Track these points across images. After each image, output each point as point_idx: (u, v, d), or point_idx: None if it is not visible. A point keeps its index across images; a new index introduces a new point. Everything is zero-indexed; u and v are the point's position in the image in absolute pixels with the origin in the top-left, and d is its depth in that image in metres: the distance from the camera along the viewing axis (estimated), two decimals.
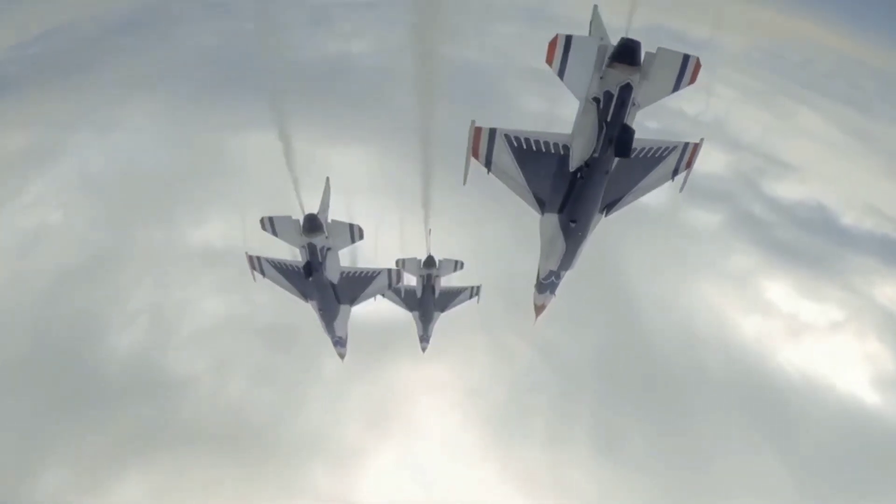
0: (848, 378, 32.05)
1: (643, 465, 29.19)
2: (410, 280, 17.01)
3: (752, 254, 38.89)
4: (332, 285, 14.34)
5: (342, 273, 14.23)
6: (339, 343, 17.62)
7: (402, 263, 15.94)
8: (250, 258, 14.39)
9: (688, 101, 47.03)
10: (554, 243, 10.58)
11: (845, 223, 41.67)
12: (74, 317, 30.77)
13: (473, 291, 17.63)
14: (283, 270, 14.49)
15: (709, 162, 46.79)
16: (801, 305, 35.93)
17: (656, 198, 37.63)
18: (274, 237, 12.90)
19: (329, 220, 12.62)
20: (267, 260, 14.43)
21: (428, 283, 16.75)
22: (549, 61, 7.42)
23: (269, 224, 12.59)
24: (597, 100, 7.72)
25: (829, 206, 43.18)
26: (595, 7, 8.66)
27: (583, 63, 7.37)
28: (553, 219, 10.01)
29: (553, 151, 8.84)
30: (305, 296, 14.89)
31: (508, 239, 35.75)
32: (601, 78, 7.56)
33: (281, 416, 30.96)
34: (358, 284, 14.87)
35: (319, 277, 13.63)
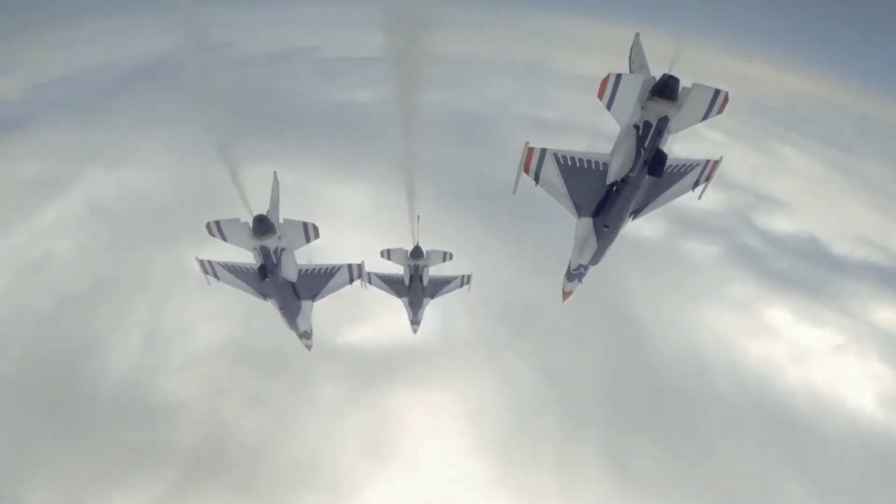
0: (856, 397, 32.70)
1: (656, 488, 28.94)
2: (398, 268, 16.34)
3: (751, 282, 40.61)
4: (291, 284, 13.80)
5: (300, 270, 13.58)
6: (305, 336, 17.18)
7: (387, 254, 15.50)
8: (201, 263, 13.52)
9: (680, 144, 50.75)
10: (587, 242, 11.73)
11: (837, 253, 43.63)
12: (73, 338, 31.73)
13: (464, 280, 17.16)
14: (238, 272, 13.72)
15: (703, 199, 49.59)
16: (803, 329, 37.08)
17: (657, 231, 40.33)
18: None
19: (280, 220, 11.79)
20: (219, 264, 13.70)
21: (416, 273, 16.18)
22: (600, 96, 8.32)
23: (217, 228, 11.69)
24: (637, 127, 8.82)
25: (820, 237, 45.38)
26: (637, 35, 9.53)
27: (628, 97, 8.34)
28: (588, 222, 11.13)
29: (593, 168, 9.93)
30: (264, 295, 14.26)
31: (508, 265, 38.02)
32: (642, 108, 8.59)
33: (273, 442, 30.65)
34: (318, 281, 14.20)
35: (275, 279, 13.13)
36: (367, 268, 15.13)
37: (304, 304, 14.87)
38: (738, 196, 50.40)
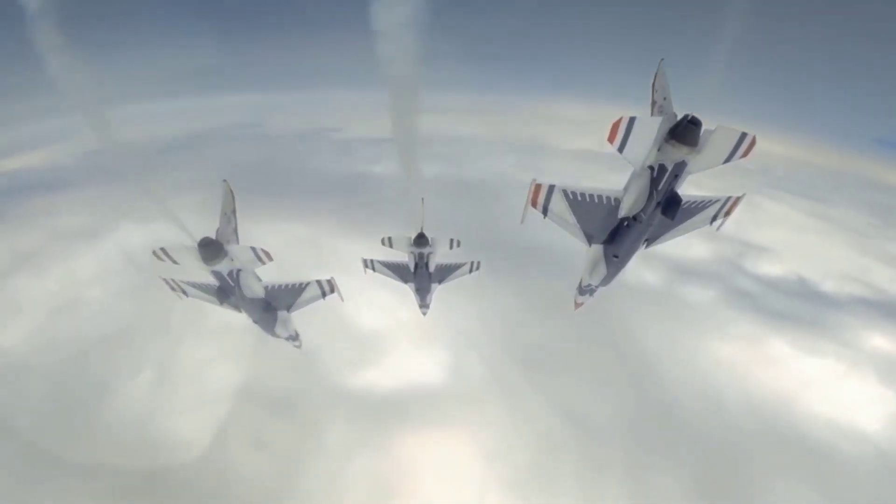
0: (864, 418, 34.84)
1: None
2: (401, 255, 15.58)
3: (750, 321, 44.02)
4: (261, 299, 13.35)
5: (267, 287, 13.13)
6: (291, 339, 16.60)
7: (388, 241, 14.44)
8: (166, 281, 13.29)
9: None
10: (597, 267, 11.74)
11: (826, 290, 47.39)
12: (94, 375, 34.00)
13: (474, 266, 16.32)
14: (204, 289, 13.31)
15: (694, 250, 54.63)
16: (805, 360, 39.81)
17: (657, 278, 45.44)
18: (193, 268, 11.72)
19: (227, 245, 11.20)
20: (184, 282, 13.30)
21: (421, 260, 15.21)
22: (611, 140, 7.85)
23: (166, 256, 11.15)
24: (651, 168, 8.36)
25: (809, 277, 49.46)
26: (661, 61, 9.04)
27: (643, 140, 7.83)
28: (599, 249, 11.08)
29: (604, 203, 9.70)
30: (236, 308, 13.65)
31: (518, 310, 41.81)
32: (658, 150, 8.05)
33: (280, 485, 30.79)
34: (288, 295, 13.59)
35: (239, 299, 12.75)
36: (372, 256, 15.35)
37: (280, 314, 14.40)
38: (727, 245, 55.31)
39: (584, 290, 14.14)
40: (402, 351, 39.78)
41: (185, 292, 13.59)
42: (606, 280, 12.30)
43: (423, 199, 13.29)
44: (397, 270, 16.24)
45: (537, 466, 33.66)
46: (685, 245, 55.07)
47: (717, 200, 10.00)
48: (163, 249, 11.24)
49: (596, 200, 9.81)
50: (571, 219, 10.17)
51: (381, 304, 41.72)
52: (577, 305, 15.78)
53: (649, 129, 7.88)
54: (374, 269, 16.28)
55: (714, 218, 10.14)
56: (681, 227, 10.30)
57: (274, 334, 15.48)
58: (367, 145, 65.05)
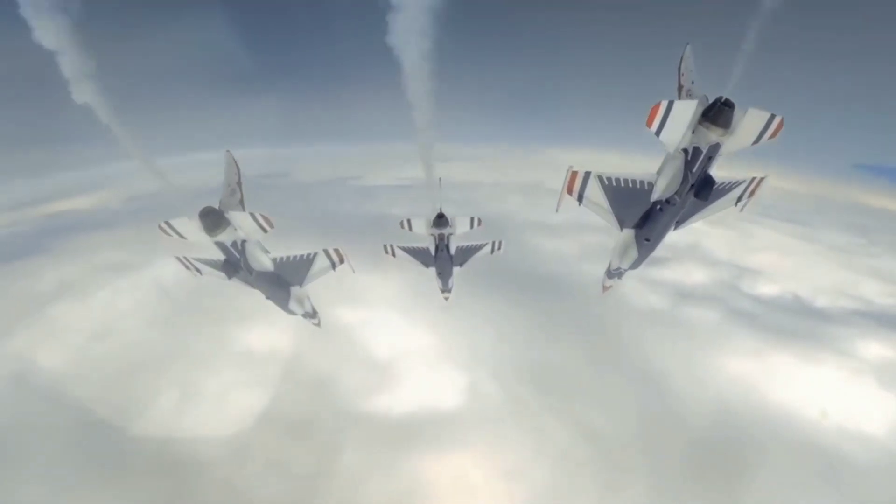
0: (873, 421, 36.74)
1: None
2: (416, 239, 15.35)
3: (753, 337, 46.46)
4: (271, 274, 13.09)
5: (275, 260, 12.90)
6: (308, 316, 16.26)
7: (407, 224, 14.28)
8: (180, 260, 13.39)
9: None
10: (627, 251, 12.05)
11: (819, 305, 50.34)
12: (123, 398, 36.24)
13: (495, 246, 15.87)
14: (215, 266, 13.13)
15: (694, 276, 57.85)
16: (808, 370, 42.26)
17: (661, 303, 48.76)
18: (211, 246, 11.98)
19: (227, 213, 10.96)
20: (195, 259, 13.26)
21: (441, 242, 14.78)
22: (650, 124, 8.11)
23: (171, 229, 11.10)
24: (685, 151, 8.53)
25: (803, 295, 52.45)
26: (687, 46, 9.26)
27: (679, 123, 8.06)
28: (630, 233, 11.37)
29: (638, 187, 9.88)
30: (249, 284, 13.43)
31: (530, 333, 43.93)
32: (693, 133, 8.22)
33: None
34: (298, 268, 13.34)
35: (247, 273, 12.52)
36: (393, 242, 15.26)
37: (293, 289, 14.09)
38: (723, 270, 58.69)
39: (612, 273, 14.64)
40: (417, 374, 41.77)
41: (199, 270, 13.45)
42: (637, 263, 12.60)
43: (440, 179, 12.86)
44: (418, 255, 15.71)
45: (557, 485, 34.59)
46: (685, 271, 58.41)
47: (742, 182, 10.26)
48: (167, 223, 11.14)
49: (629, 185, 10.02)
50: (605, 204, 10.45)
51: (395, 330, 44.55)
52: (605, 289, 16.25)
53: (685, 112, 8.12)
54: (394, 254, 15.75)
55: (739, 199, 10.42)
56: (708, 209, 10.46)
57: (289, 311, 15.09)
58: (385, 190, 69.80)
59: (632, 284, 51.50)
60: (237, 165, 11.72)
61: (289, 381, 39.51)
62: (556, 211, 10.75)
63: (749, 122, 7.90)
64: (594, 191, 10.29)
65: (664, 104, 8.02)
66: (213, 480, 32.83)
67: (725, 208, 10.65)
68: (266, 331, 41.69)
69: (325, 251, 13.28)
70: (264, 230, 11.18)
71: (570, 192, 10.39)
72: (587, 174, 10.11)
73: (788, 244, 63.38)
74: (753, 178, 10.27)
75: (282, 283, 13.74)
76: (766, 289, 54.67)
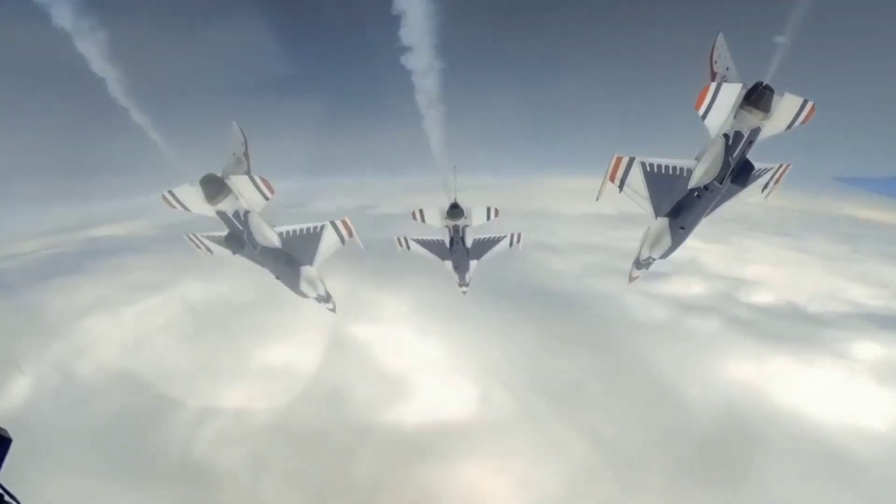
0: (875, 416, 38.40)
1: None
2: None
3: (753, 343, 48.42)
4: (278, 250, 12.60)
5: (282, 235, 12.42)
6: (322, 300, 16.05)
7: (420, 215, 13.70)
8: (190, 238, 13.09)
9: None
10: (661, 240, 12.25)
11: (813, 311, 52.74)
12: (146, 408, 38.42)
13: (514, 238, 15.16)
14: (220, 242, 12.77)
15: (692, 288, 60.16)
16: (809, 372, 44.18)
17: (663, 314, 51.15)
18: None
19: (227, 178, 10.63)
20: (204, 236, 12.92)
21: (457, 234, 14.06)
22: (699, 107, 8.43)
23: (174, 199, 10.79)
24: (726, 136, 8.91)
25: (796, 302, 54.85)
26: (719, 33, 9.32)
27: (724, 107, 8.38)
28: (665, 222, 11.59)
29: (677, 174, 10.16)
30: (257, 261, 13.00)
31: (540, 346, 45.67)
32: (734, 117, 8.60)
33: None
34: (306, 244, 12.82)
35: (251, 250, 12.10)
36: (410, 234, 14.99)
37: (303, 269, 13.63)
38: (719, 282, 61.17)
39: (640, 264, 14.77)
40: (430, 387, 43.35)
41: (209, 249, 13.12)
42: (668, 252, 12.79)
43: (455, 166, 12.29)
44: (434, 247, 15.08)
45: (573, 493, 35.59)
46: (684, 285, 60.75)
47: (770, 169, 10.63)
48: (170, 192, 10.78)
49: (670, 172, 10.28)
50: (645, 192, 10.61)
51: (408, 345, 46.36)
52: (632, 279, 16.46)
53: (731, 95, 8.36)
54: (408, 247, 15.30)
55: (765, 186, 10.83)
56: (737, 196, 10.76)
57: (301, 293, 14.62)
58: (398, 219, 72.65)
59: (635, 299, 53.90)
60: (244, 135, 11.52)
61: (305, 395, 41.58)
62: (597, 199, 10.84)
63: (785, 106, 8.34)
64: (635, 178, 10.53)
65: (713, 86, 8.32)
66: (231, 487, 34.50)
67: (753, 195, 11.08)
68: (285, 348, 44.30)
69: (332, 223, 12.89)
70: (265, 197, 10.89)
71: (612, 179, 10.51)
72: (631, 160, 10.33)
73: (779, 255, 66.20)
74: (780, 165, 10.76)
75: (290, 260, 13.24)
76: (762, 297, 57.07)
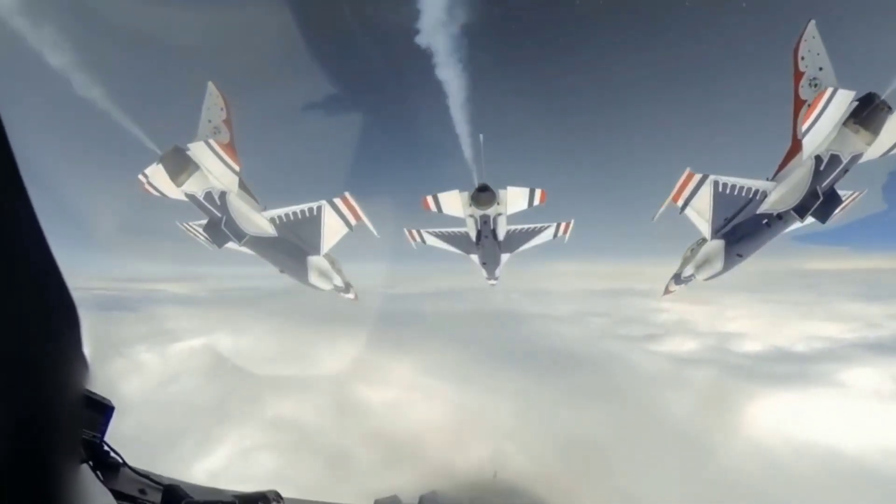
0: (888, 434, 40.07)
1: None
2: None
3: (751, 386, 51.02)
4: (274, 239, 10.82)
5: (274, 220, 10.64)
6: (340, 290, 14.11)
7: (435, 203, 10.56)
8: (187, 229, 11.69)
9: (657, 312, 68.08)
10: (712, 262, 11.12)
11: (799, 351, 56.63)
12: (177, 432, 39.21)
13: (560, 229, 12.06)
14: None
15: (686, 345, 63.22)
16: (811, 404, 46.30)
17: (663, 368, 54.58)
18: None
19: (188, 148, 8.79)
20: (198, 225, 11.35)
21: (486, 226, 10.88)
22: (804, 121, 6.87)
23: (149, 184, 9.43)
24: (818, 158, 7.26)
25: (783, 345, 58.83)
26: (810, 21, 7.44)
27: (829, 120, 6.77)
28: (720, 245, 10.42)
29: (748, 196, 9.11)
30: (258, 252, 11.28)
31: (551, 405, 46.47)
32: (835, 136, 6.85)
33: None
34: (305, 230, 10.87)
35: (238, 237, 10.08)
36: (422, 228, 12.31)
37: (311, 260, 11.60)
38: (708, 338, 64.91)
39: (681, 280, 13.56)
40: (438, 450, 42.64)
41: (209, 238, 11.20)
42: (715, 275, 11.54)
43: (481, 136, 9.38)
44: (455, 241, 12.16)
45: None
46: (677, 343, 63.95)
47: (847, 195, 9.05)
48: (144, 174, 9.29)
49: (742, 193, 9.25)
50: (709, 214, 9.49)
51: (413, 407, 46.75)
52: (668, 292, 15.24)
53: (840, 105, 6.46)
54: (423, 240, 12.52)
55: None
56: (796, 225, 8.98)
57: (313, 286, 12.78)
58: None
59: (637, 356, 56.80)
60: (224, 99, 9.40)
61: (308, 455, 41.44)
62: (653, 220, 10.01)
63: (889, 129, 6.64)
64: (703, 197, 9.52)
65: (828, 91, 6.46)
66: None
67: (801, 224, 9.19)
68: (298, 402, 45.39)
69: (330, 202, 10.82)
70: (233, 170, 8.95)
71: (677, 198, 9.55)
72: (704, 177, 9.46)
73: (755, 310, 71.15)
74: (852, 193, 9.36)
75: (292, 251, 11.30)
76: (751, 346, 60.67)
